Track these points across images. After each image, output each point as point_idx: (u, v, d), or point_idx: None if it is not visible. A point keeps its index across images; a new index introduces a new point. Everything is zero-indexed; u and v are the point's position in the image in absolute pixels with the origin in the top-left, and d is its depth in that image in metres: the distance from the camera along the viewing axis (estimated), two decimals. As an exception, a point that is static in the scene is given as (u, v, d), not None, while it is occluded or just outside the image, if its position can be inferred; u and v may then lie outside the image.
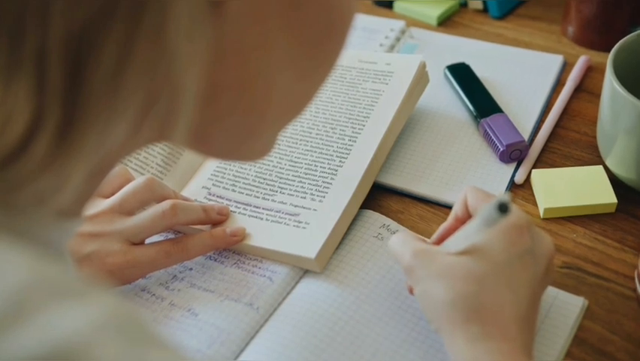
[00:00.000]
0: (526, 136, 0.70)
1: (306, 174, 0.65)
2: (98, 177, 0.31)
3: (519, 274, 0.48)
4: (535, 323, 0.49)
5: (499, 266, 0.48)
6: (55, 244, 0.30)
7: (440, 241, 0.53)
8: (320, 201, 0.62)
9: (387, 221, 0.63)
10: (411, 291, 0.55)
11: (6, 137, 0.23)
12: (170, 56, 0.25)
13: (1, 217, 0.26)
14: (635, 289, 0.56)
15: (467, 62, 0.78)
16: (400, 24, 0.87)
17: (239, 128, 0.33)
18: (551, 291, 0.56)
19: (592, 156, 0.68)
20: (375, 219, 0.63)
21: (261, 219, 0.63)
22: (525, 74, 0.78)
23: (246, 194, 0.65)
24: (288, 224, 0.61)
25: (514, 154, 0.67)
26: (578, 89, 0.76)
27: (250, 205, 0.64)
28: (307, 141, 0.68)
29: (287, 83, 0.32)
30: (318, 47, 0.32)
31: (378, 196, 0.66)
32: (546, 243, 0.50)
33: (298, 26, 0.30)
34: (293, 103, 0.35)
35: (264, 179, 0.66)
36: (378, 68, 0.72)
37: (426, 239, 0.55)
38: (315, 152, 0.67)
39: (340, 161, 0.65)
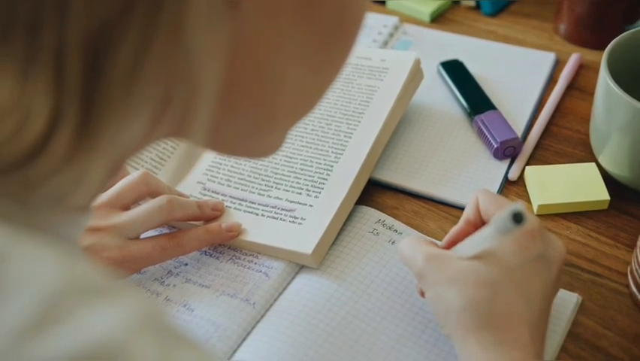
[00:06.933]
0: (519, 133, 0.70)
1: (301, 169, 0.65)
2: (112, 172, 0.31)
3: (531, 279, 0.48)
4: (546, 328, 0.48)
5: (511, 271, 0.47)
6: (69, 238, 0.29)
7: (451, 244, 0.52)
8: (316, 196, 0.62)
9: (383, 217, 0.63)
10: (422, 294, 0.53)
11: (26, 134, 0.23)
12: (188, 52, 0.25)
13: (21, 214, 0.26)
14: (628, 286, 0.57)
15: (460, 58, 0.79)
16: (393, 20, 0.87)
17: (249, 123, 0.33)
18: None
19: (584, 153, 0.69)
20: (370, 215, 0.63)
21: (257, 214, 0.63)
22: (517, 72, 0.78)
23: (242, 189, 0.65)
24: (284, 220, 0.61)
25: (507, 151, 0.68)
26: (570, 87, 0.77)
27: (246, 201, 0.64)
28: (303, 137, 0.68)
29: (298, 78, 0.32)
30: (329, 43, 0.32)
31: (373, 192, 0.67)
32: (558, 247, 0.50)
33: (311, 22, 0.30)
34: (304, 99, 0.35)
35: (260, 174, 0.66)
36: (373, 64, 0.72)
37: (436, 242, 0.53)
38: (311, 148, 0.67)
39: (336, 157, 0.65)
